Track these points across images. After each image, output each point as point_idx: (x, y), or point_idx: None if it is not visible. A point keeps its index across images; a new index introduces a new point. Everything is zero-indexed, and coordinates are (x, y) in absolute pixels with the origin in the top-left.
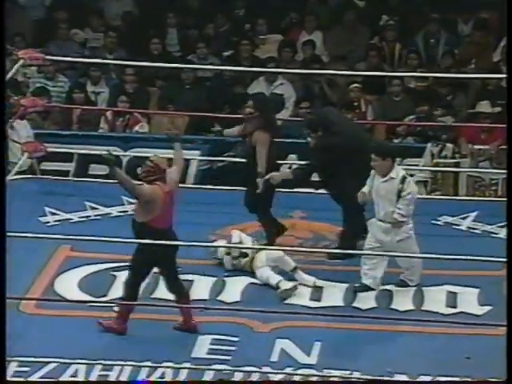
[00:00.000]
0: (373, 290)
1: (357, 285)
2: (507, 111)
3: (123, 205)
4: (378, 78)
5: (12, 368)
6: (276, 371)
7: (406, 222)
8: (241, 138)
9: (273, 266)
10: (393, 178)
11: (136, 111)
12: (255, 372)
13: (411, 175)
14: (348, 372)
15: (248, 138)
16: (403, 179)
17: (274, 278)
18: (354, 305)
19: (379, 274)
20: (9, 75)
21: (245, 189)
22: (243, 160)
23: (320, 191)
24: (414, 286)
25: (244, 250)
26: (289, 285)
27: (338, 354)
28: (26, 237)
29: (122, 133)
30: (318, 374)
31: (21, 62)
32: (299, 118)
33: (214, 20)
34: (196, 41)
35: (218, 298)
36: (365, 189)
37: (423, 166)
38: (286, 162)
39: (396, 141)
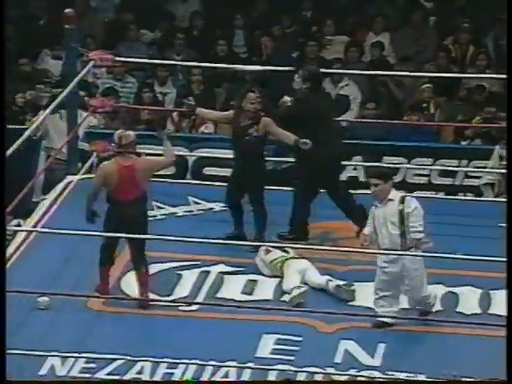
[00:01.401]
0: (390, 325)
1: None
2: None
3: (189, 204)
4: (448, 80)
5: (80, 364)
6: (340, 372)
7: (424, 241)
8: (248, 137)
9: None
10: (391, 200)
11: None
12: (318, 373)
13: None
14: (412, 374)
15: (252, 130)
16: (402, 199)
17: (291, 285)
18: (419, 307)
19: (395, 308)
20: (79, 76)
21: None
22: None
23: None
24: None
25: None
26: (299, 291)
27: (402, 356)
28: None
29: (187, 133)
30: (381, 375)
31: (91, 63)
32: (365, 120)
33: (281, 21)
34: (266, 41)
35: (282, 299)
36: (366, 230)
37: (491, 169)
38: (350, 163)
39: (464, 143)
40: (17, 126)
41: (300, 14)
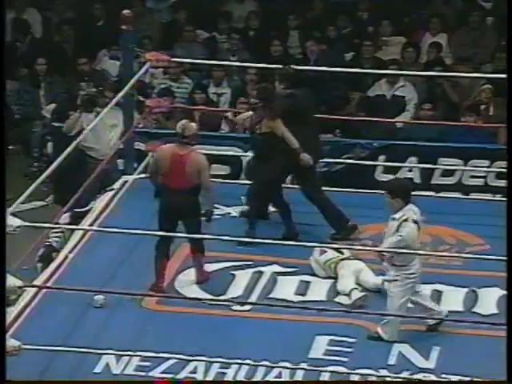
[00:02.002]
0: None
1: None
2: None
3: (242, 205)
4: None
5: (134, 362)
6: (393, 374)
7: (403, 263)
8: (260, 136)
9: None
10: (394, 219)
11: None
12: (372, 375)
13: None
14: (467, 377)
15: (257, 129)
16: (403, 221)
17: (348, 287)
18: (475, 310)
19: (396, 329)
20: (136, 77)
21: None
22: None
23: (440, 195)
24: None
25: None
26: (358, 295)
27: (457, 359)
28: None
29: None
30: (436, 378)
31: (148, 63)
32: (420, 121)
33: (337, 22)
34: (317, 43)
35: (336, 300)
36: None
37: None
38: (405, 164)
39: None
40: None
41: (356, 14)
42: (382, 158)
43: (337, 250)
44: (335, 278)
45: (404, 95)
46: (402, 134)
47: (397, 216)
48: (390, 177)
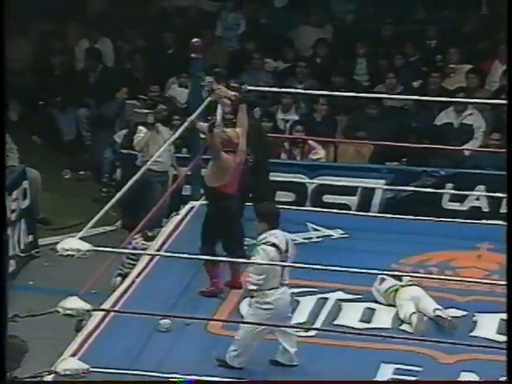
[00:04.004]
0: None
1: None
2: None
3: (308, 231)
4: None
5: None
6: None
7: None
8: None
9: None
10: (255, 244)
11: (311, 138)
12: None
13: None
14: None
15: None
16: (261, 244)
17: (408, 313)
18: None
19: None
20: (200, 108)
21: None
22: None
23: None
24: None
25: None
26: (420, 318)
27: None
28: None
29: (301, 161)
30: None
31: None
32: (488, 149)
33: (404, 50)
34: (385, 71)
35: (401, 327)
36: None
37: None
38: (472, 192)
39: None
40: None
41: (424, 43)
42: (449, 186)
43: (396, 277)
44: (395, 306)
45: (472, 123)
46: (470, 163)
47: (258, 239)
48: (457, 205)
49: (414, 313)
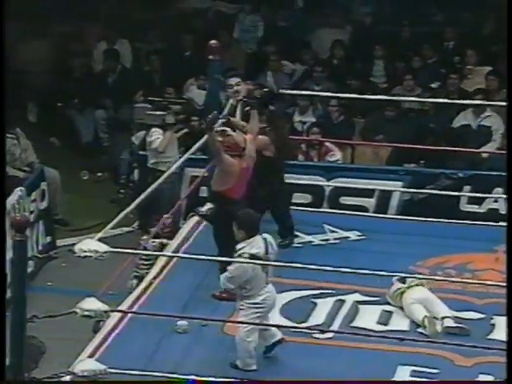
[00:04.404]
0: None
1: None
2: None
3: (325, 233)
4: None
5: None
6: None
7: (249, 293)
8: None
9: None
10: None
11: (327, 140)
12: None
13: None
14: None
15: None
16: (238, 256)
17: (420, 316)
18: None
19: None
20: (226, 110)
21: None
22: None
23: None
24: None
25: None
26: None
27: None
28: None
29: (317, 162)
30: None
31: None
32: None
33: (422, 52)
34: (403, 73)
35: (419, 330)
36: None
37: None
38: (490, 195)
39: None
40: None
41: (442, 44)
42: (467, 188)
43: (401, 280)
44: (402, 309)
45: (490, 125)
46: (487, 165)
47: (239, 246)
48: (475, 207)
49: (425, 316)
